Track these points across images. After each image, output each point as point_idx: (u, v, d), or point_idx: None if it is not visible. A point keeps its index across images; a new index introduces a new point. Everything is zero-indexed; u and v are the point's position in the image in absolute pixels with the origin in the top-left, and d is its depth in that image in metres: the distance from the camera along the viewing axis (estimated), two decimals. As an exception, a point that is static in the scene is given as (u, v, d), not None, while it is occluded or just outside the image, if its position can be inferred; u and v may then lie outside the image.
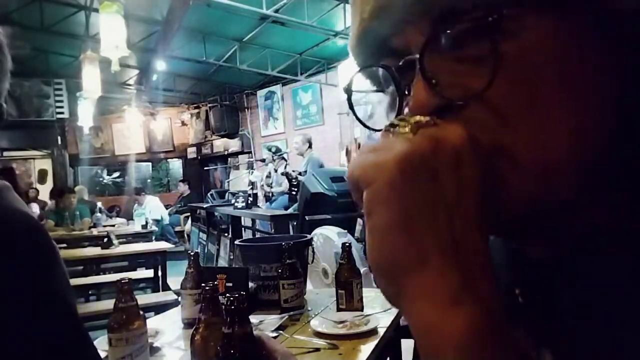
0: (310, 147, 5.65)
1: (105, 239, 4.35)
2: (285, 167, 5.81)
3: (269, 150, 6.42)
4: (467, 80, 0.31)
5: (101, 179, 11.07)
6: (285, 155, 6.23)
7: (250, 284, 1.67)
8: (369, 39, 0.36)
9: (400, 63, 0.34)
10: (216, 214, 6.10)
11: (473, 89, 0.30)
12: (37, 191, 8.88)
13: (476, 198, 0.29)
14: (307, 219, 4.08)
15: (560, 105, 0.30)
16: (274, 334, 1.37)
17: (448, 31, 0.31)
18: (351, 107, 0.40)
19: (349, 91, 0.39)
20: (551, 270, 0.35)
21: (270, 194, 6.06)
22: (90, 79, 5.55)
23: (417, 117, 0.31)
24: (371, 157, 0.30)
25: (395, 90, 0.36)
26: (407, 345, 2.55)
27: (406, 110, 0.34)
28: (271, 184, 6.05)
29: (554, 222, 0.34)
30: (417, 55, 0.32)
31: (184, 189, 9.62)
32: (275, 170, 5.99)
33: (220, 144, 10.09)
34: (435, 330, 0.28)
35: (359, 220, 5.44)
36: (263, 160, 6.62)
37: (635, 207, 0.31)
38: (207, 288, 1.10)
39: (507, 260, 0.40)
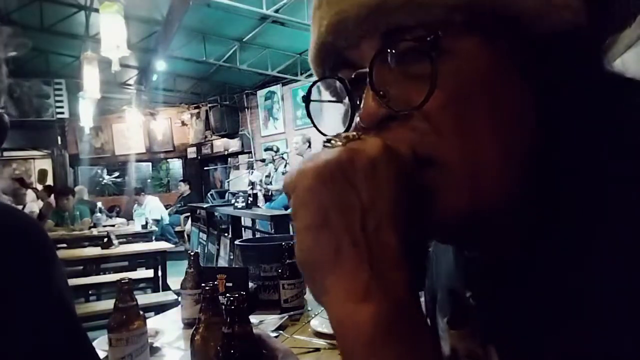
0: (310, 147, 5.65)
1: (105, 239, 4.35)
2: (285, 167, 5.81)
3: (270, 150, 6.42)
4: (410, 93, 0.34)
5: (101, 179, 11.06)
6: (285, 155, 6.23)
7: (250, 284, 1.67)
8: (327, 52, 0.39)
9: (353, 75, 0.37)
10: (216, 214, 6.10)
11: (414, 101, 0.33)
12: (37, 191, 8.88)
13: (390, 200, 0.31)
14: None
15: (487, 120, 0.33)
16: (274, 334, 1.37)
17: (394, 47, 0.34)
18: (309, 115, 0.43)
19: (307, 101, 0.42)
20: (495, 273, 0.38)
21: (270, 193, 6.06)
22: (90, 79, 5.55)
23: (348, 133, 0.34)
24: (299, 166, 0.33)
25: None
26: (407, 345, 2.55)
27: (357, 119, 0.37)
28: (270, 182, 6.05)
29: (486, 228, 0.36)
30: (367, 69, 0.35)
31: (184, 188, 9.62)
32: (276, 170, 6.00)
33: (220, 144, 10.09)
34: (346, 324, 0.30)
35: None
36: (263, 160, 6.63)
37: (561, 212, 0.33)
38: (207, 288, 1.10)
39: (459, 264, 0.43)
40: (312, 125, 0.42)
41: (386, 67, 0.35)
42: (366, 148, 0.32)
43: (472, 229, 0.36)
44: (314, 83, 0.43)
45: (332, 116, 0.43)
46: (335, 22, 0.36)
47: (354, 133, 0.34)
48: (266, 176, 6.19)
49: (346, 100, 0.40)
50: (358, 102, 0.37)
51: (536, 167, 0.34)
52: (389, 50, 0.35)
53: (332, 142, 0.34)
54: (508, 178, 0.34)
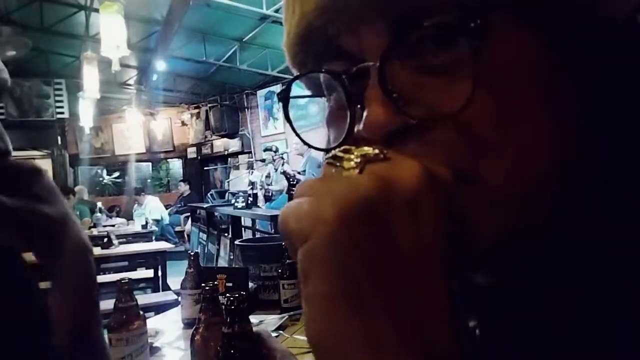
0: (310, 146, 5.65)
1: (105, 239, 4.36)
2: (283, 165, 5.81)
3: (269, 150, 6.41)
4: (434, 96, 0.26)
5: (101, 179, 11.06)
6: (284, 155, 6.23)
7: (250, 284, 1.67)
8: (312, 38, 0.30)
9: (354, 70, 0.29)
10: (216, 214, 6.10)
11: (444, 106, 0.25)
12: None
13: (437, 253, 0.23)
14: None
15: (538, 126, 0.26)
16: (274, 334, 1.37)
17: (412, 35, 0.26)
18: (287, 118, 0.34)
19: (285, 99, 0.34)
20: (505, 302, 0.32)
21: (270, 193, 6.06)
22: (90, 79, 5.55)
23: (365, 149, 0.25)
24: (307, 204, 0.23)
25: (342, 100, 0.30)
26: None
27: (358, 127, 0.28)
28: (270, 183, 6.05)
29: (521, 253, 0.29)
30: (377, 63, 0.27)
31: (184, 188, 9.62)
32: (275, 170, 5.99)
33: (220, 144, 10.09)
34: None
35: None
36: (263, 161, 6.62)
37: (607, 238, 0.27)
38: (207, 288, 1.10)
39: (461, 288, 0.35)
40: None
41: (397, 61, 0.27)
42: (403, 177, 0.23)
43: (507, 255, 0.29)
44: (297, 77, 0.33)
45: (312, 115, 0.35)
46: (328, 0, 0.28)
47: (375, 150, 0.25)
48: (266, 176, 6.19)
49: (334, 96, 0.33)
50: (359, 106, 0.29)
51: (587, 183, 0.28)
52: (406, 40, 0.26)
53: (344, 160, 0.25)
54: (559, 197, 0.27)
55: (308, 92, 0.36)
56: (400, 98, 0.26)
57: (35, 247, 0.53)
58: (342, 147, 0.26)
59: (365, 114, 0.27)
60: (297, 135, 0.35)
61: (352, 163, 0.24)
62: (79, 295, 0.54)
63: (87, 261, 0.55)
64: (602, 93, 0.27)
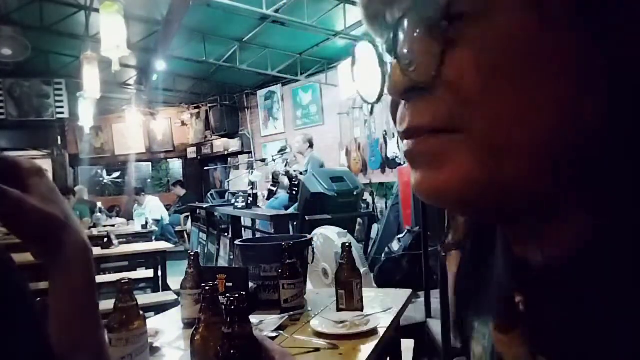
0: (311, 146, 5.64)
1: (105, 239, 4.35)
2: (286, 165, 5.79)
3: (284, 150, 6.34)
4: (430, 61, 0.30)
5: (101, 179, 11.06)
6: (287, 156, 6.21)
7: (250, 284, 1.67)
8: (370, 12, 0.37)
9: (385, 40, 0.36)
10: (216, 214, 6.09)
11: (433, 69, 0.29)
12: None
13: None
14: (307, 219, 4.08)
15: (528, 90, 0.28)
16: (274, 334, 1.37)
17: (422, 7, 0.30)
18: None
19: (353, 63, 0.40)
20: (547, 279, 0.34)
21: (275, 190, 5.96)
22: (90, 79, 5.54)
23: None
24: None
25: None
26: (407, 345, 2.55)
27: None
28: (277, 181, 5.95)
29: (540, 217, 0.32)
30: (390, 34, 0.32)
31: (179, 191, 9.63)
32: (286, 165, 5.90)
33: (220, 144, 10.09)
34: None
35: (359, 220, 5.44)
36: (263, 160, 6.60)
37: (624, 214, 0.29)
38: (207, 288, 1.10)
39: (509, 267, 0.39)
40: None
41: (411, 30, 0.31)
42: None
43: (494, 209, 0.32)
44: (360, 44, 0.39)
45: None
46: None
47: None
48: (272, 177, 6.04)
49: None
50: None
51: (598, 155, 0.29)
52: (416, 12, 0.31)
53: None
54: (547, 160, 0.29)
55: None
56: (409, 62, 0.31)
57: (37, 246, 0.53)
58: None
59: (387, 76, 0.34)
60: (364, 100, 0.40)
61: None
62: (79, 295, 0.54)
63: (87, 261, 0.55)
64: (606, 71, 0.28)
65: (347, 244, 1.65)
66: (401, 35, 0.31)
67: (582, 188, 0.30)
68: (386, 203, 6.18)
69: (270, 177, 5.89)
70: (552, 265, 0.33)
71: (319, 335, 1.35)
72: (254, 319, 1.46)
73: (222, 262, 5.45)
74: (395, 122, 0.36)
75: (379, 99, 0.37)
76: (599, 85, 0.28)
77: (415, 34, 0.31)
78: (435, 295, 2.86)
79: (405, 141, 0.34)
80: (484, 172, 0.30)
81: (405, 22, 0.31)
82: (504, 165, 0.29)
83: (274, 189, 5.67)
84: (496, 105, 0.28)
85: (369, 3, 0.36)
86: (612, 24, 0.27)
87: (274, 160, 6.07)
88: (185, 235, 8.53)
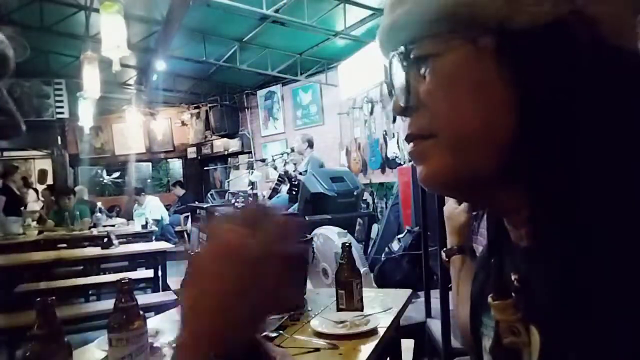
0: (310, 146, 5.63)
1: (105, 239, 4.35)
2: (285, 165, 5.78)
3: (292, 150, 6.32)
4: (417, 90, 0.44)
5: (101, 179, 11.06)
6: (284, 155, 6.20)
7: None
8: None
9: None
10: (216, 214, 6.08)
11: (417, 96, 0.43)
12: (37, 191, 8.88)
13: None
14: (307, 219, 4.08)
15: (470, 103, 0.40)
16: (274, 334, 1.37)
17: (409, 54, 0.44)
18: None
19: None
20: (531, 257, 0.42)
21: (279, 189, 5.93)
22: (90, 79, 5.54)
23: None
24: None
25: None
26: (407, 345, 2.55)
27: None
28: (283, 180, 5.91)
29: (485, 194, 0.44)
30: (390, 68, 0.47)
31: (178, 191, 9.62)
32: (285, 165, 5.88)
33: (220, 144, 10.09)
34: None
35: (359, 220, 5.43)
36: (263, 160, 6.59)
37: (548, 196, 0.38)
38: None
39: (505, 249, 0.48)
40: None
41: (406, 67, 0.44)
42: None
43: (467, 188, 0.44)
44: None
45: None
46: (388, 24, 0.46)
47: None
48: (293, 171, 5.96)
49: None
50: None
51: (518, 146, 0.39)
52: (408, 55, 0.44)
53: None
54: (490, 151, 0.40)
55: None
56: (405, 89, 0.44)
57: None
58: None
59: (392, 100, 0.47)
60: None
61: None
62: None
63: None
64: (532, 88, 0.38)
65: (347, 244, 1.65)
66: (393, 71, 0.45)
67: (518, 177, 0.40)
68: (386, 203, 6.17)
69: (274, 176, 5.86)
70: (530, 247, 0.43)
71: (319, 335, 1.35)
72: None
73: (222, 262, 5.42)
74: None
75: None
76: (513, 99, 0.39)
77: (398, 72, 0.45)
78: (435, 295, 2.85)
79: (408, 145, 0.46)
80: (453, 163, 0.42)
81: (393, 63, 0.45)
82: (463, 157, 0.42)
83: (278, 187, 5.65)
84: (453, 116, 0.41)
85: (380, 47, 0.48)
86: (523, 60, 0.38)
87: (274, 160, 6.06)
88: (185, 235, 8.52)
